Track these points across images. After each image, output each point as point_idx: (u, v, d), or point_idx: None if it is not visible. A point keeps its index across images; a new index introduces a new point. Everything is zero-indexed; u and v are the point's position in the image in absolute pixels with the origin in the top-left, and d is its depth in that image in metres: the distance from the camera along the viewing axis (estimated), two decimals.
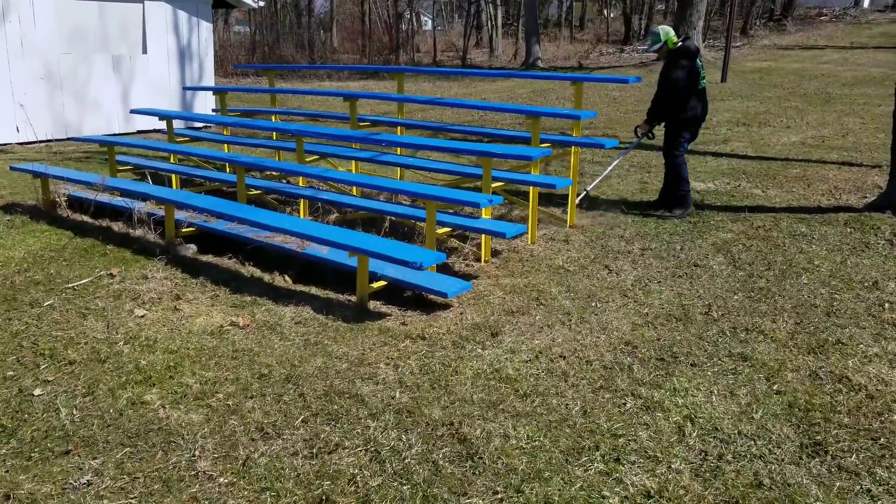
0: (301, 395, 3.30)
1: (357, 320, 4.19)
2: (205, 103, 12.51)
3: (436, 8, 47.33)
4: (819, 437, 3.01)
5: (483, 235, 5.27)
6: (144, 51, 11.86)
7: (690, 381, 3.51)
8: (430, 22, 50.77)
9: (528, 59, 25.80)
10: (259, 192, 6.18)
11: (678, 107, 6.32)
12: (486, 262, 5.39)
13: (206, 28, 12.60)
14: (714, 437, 3.01)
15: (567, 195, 6.45)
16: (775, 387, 3.45)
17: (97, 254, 5.41)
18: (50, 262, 5.21)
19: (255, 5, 13.31)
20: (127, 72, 11.61)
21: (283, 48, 27.33)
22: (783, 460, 2.85)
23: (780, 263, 5.36)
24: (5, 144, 10.30)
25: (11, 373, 3.51)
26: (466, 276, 5.07)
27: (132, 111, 7.58)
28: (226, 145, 7.77)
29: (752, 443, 2.97)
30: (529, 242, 5.92)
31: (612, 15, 36.87)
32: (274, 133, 7.63)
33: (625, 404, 3.26)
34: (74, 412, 3.15)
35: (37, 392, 3.32)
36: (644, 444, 2.94)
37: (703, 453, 2.90)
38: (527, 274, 5.15)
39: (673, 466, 2.79)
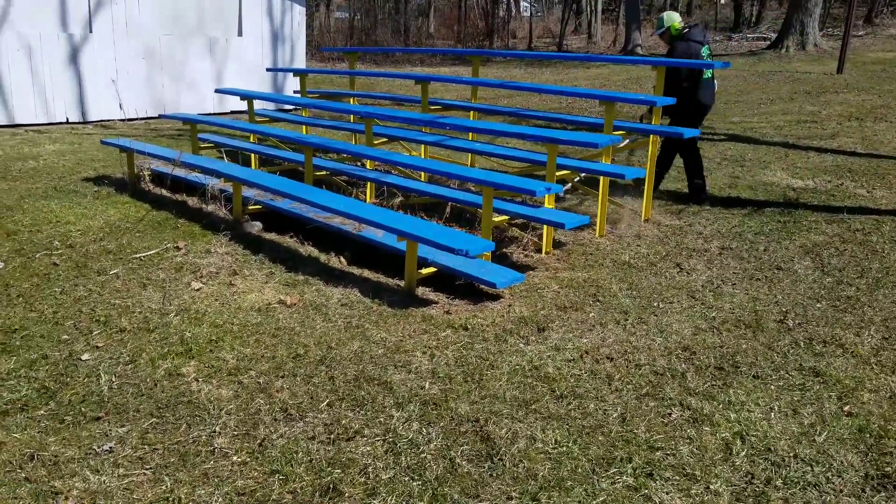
0: (331, 378, 3.24)
1: (402, 306, 4.10)
2: (295, 85, 12.75)
3: None
4: (889, 469, 2.66)
5: (544, 226, 5.06)
6: (240, 33, 12.20)
7: (749, 394, 3.21)
8: (528, 8, 50.06)
9: (628, 46, 24.96)
10: (326, 173, 6.20)
11: (680, 94, 6.16)
12: (547, 253, 5.18)
13: (299, 12, 12.82)
14: (765, 459, 2.72)
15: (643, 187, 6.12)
16: (847, 408, 3.10)
17: (169, 227, 5.58)
18: (124, 232, 5.41)
19: None
20: (222, 53, 11.99)
21: (380, 34, 27.62)
22: (842, 491, 2.54)
23: (875, 271, 4.87)
24: (109, 120, 10.87)
25: (66, 336, 3.64)
26: (524, 267, 4.89)
27: (216, 90, 7.80)
28: (304, 126, 7.86)
29: (809, 468, 2.67)
30: (597, 235, 5.65)
31: (722, 1, 35.10)
32: (351, 116, 7.65)
33: (669, 415, 3.01)
34: (114, 379, 3.22)
35: (84, 357, 3.42)
36: (684, 459, 2.70)
37: (750, 475, 2.62)
38: (588, 268, 4.91)
39: (711, 487, 2.54)
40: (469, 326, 3.83)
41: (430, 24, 34.64)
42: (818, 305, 4.31)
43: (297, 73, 7.72)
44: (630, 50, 24.75)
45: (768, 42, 22.91)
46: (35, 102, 10.16)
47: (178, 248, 5.04)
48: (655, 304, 4.27)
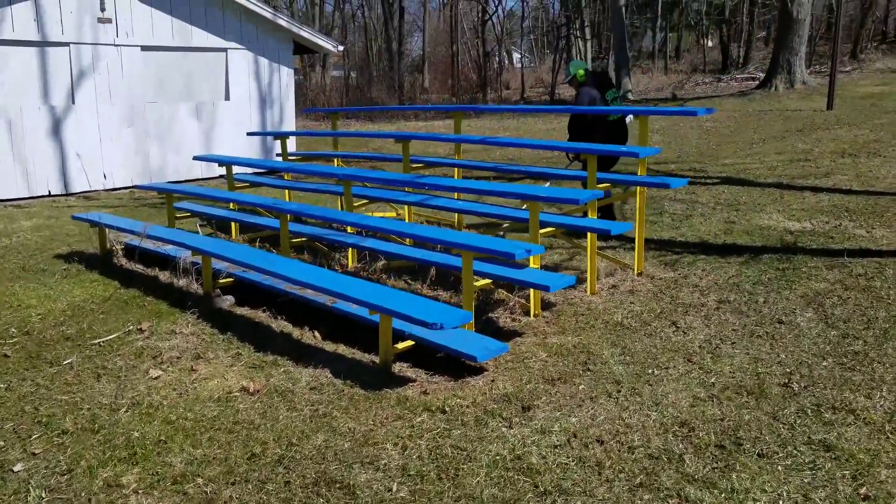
0: (287, 484, 2.91)
1: (376, 387, 3.79)
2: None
3: (526, 45, 47.35)
4: None
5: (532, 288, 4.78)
6: (227, 97, 12.16)
7: (754, 478, 2.87)
8: (521, 59, 50.83)
9: (618, 92, 25.08)
10: (305, 239, 5.95)
11: (585, 136, 6.79)
12: (535, 316, 4.88)
13: (286, 73, 12.81)
14: None
15: (635, 239, 5.86)
16: (863, 490, 2.76)
17: (135, 305, 5.30)
18: (87, 314, 5.14)
19: (333, 49, 13.47)
20: (210, 118, 11.92)
21: (375, 91, 27.85)
22: None
23: (881, 321, 4.56)
24: (93, 191, 10.72)
25: (1, 443, 3.33)
26: (510, 333, 4.59)
27: (194, 158, 7.64)
28: (287, 191, 7.66)
29: None
30: (588, 293, 5.36)
31: (709, 44, 35.52)
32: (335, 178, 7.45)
33: None
34: (44, 495, 2.89)
35: (17, 468, 3.10)
36: None
37: None
38: (579, 331, 4.60)
39: None
40: (447, 408, 3.51)
41: (425, 79, 35.05)
42: (824, 364, 3.98)
43: (276, 136, 7.55)
44: (621, 96, 24.87)
45: (757, 82, 22.99)
46: (16, 176, 10.02)
47: (141, 331, 4.76)
48: (650, 371, 3.95)
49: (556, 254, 6.55)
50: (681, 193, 9.11)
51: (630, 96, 24.60)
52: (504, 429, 3.31)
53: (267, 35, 12.34)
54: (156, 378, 4.03)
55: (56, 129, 10.31)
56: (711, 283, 5.56)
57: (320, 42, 13.00)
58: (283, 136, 7.59)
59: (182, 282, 5.69)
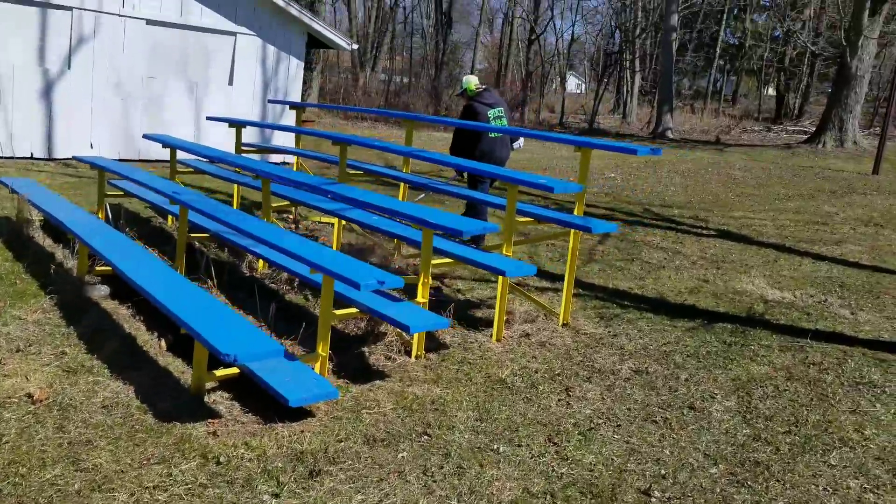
0: None
1: (169, 418, 3.28)
2: (283, 138, 12.33)
3: (586, 72, 46.61)
4: None
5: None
6: (230, 82, 11.89)
7: None
8: (579, 83, 50.13)
9: (657, 129, 24.20)
10: (207, 235, 5.51)
11: (466, 149, 6.83)
12: (417, 357, 4.31)
13: (296, 65, 12.49)
14: None
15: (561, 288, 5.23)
16: None
17: (7, 282, 4.91)
18: None
19: (347, 47, 13.09)
20: (206, 100, 11.66)
21: (410, 97, 27.55)
22: None
23: (809, 426, 3.85)
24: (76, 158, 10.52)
25: None
26: (376, 374, 4.03)
27: (144, 136, 7.31)
28: (235, 184, 7.24)
29: None
30: (493, 339, 4.76)
31: (769, 92, 34.23)
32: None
33: None
34: None
35: None
36: None
37: None
38: (452, 383, 4.01)
39: None
40: (225, 459, 2.97)
41: None
42: (712, 471, 3.31)
43: (231, 123, 7.16)
44: (660, 133, 24.00)
45: (806, 136, 21.85)
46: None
47: None
48: (495, 448, 3.34)
49: (489, 287, 5.95)
50: (666, 241, 8.41)
51: (670, 135, 23.71)
52: (266, 497, 2.75)
53: (279, 24, 12.05)
54: None
55: (47, 92, 10.16)
56: (640, 348, 4.89)
57: (333, 37, 12.65)
58: (238, 125, 7.20)
59: (71, 263, 5.29)
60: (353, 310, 4.01)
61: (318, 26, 12.32)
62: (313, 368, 3.89)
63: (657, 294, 6.29)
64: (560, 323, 5.21)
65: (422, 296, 4.25)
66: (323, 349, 3.86)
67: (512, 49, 32.83)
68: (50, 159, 10.34)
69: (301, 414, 3.44)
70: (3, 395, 3.35)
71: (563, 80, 38.19)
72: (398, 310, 3.87)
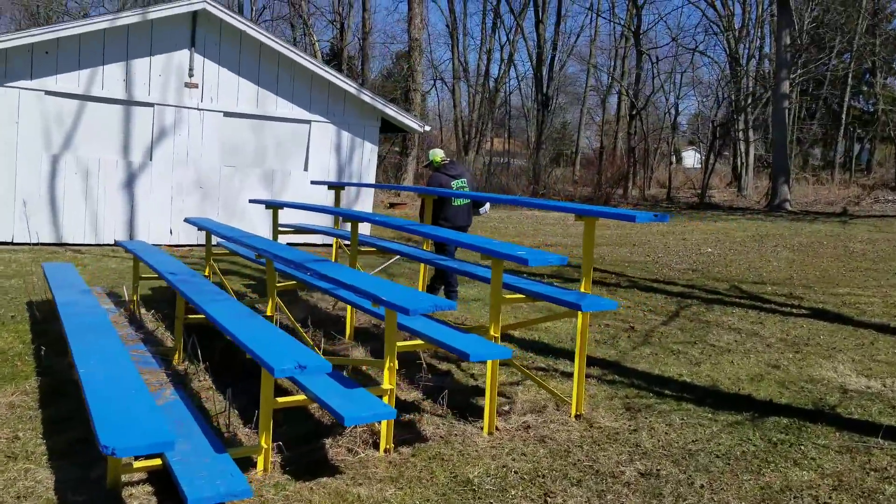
0: None
1: None
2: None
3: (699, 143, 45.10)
4: None
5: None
6: (305, 168, 12.25)
7: None
8: (701, 157, 48.55)
9: (773, 201, 22.62)
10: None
11: (434, 215, 7.20)
12: (385, 451, 3.86)
13: (370, 150, 12.73)
14: None
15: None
16: None
17: (7, 364, 4.96)
18: None
19: (420, 129, 13.24)
20: (284, 186, 12.03)
21: (509, 177, 27.60)
22: None
23: None
24: (157, 244, 11.06)
25: None
26: (329, 470, 3.61)
27: (185, 219, 7.49)
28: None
29: None
30: (484, 431, 4.22)
31: None
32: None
33: None
34: None
35: None
36: None
37: None
38: (411, 484, 3.51)
39: None
40: None
41: (576, 171, 34.34)
42: None
43: (269, 205, 7.21)
44: (777, 205, 22.42)
45: None
46: (85, 223, 10.58)
47: None
48: None
49: (506, 371, 5.41)
50: (744, 321, 7.51)
51: (788, 207, 22.08)
52: None
53: (353, 110, 12.38)
54: None
55: (130, 183, 10.85)
56: (660, 446, 4.18)
57: (406, 121, 12.83)
58: (275, 206, 7.23)
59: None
60: (299, 397, 3.66)
61: (390, 111, 12.56)
62: (256, 462, 3.55)
63: (710, 382, 5.50)
64: (572, 414, 4.58)
65: (388, 381, 3.83)
66: (265, 440, 3.52)
67: (621, 125, 32.48)
68: None
69: None
70: None
71: (678, 155, 37.05)
72: (344, 397, 3.47)
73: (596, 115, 39.87)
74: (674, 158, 39.41)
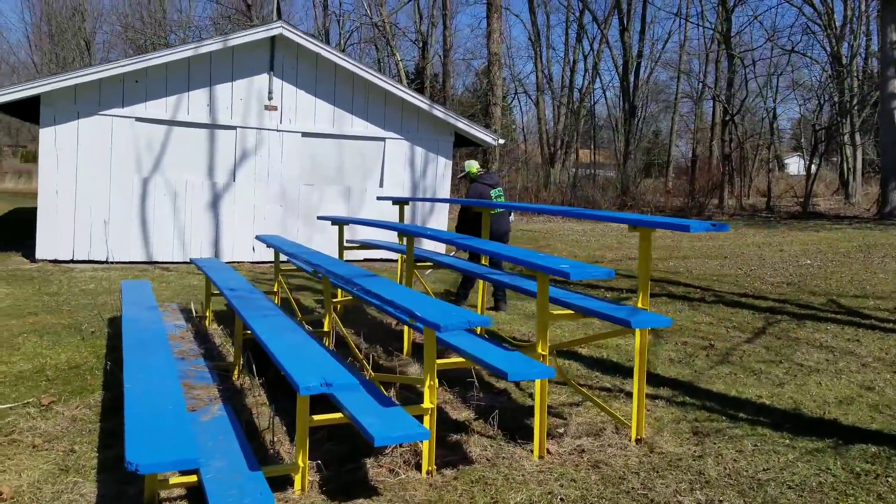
0: None
1: None
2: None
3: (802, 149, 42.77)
4: None
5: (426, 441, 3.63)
6: (381, 184, 12.39)
7: None
8: (798, 164, 46.10)
9: (885, 208, 21.04)
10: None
11: (474, 224, 7.67)
12: (428, 473, 3.74)
13: (444, 164, 12.74)
14: None
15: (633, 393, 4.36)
16: None
17: (78, 378, 5.17)
18: (38, 376, 5.12)
19: (493, 143, 13.12)
20: (361, 202, 12.20)
21: (594, 190, 26.99)
22: None
23: None
24: (239, 262, 11.45)
25: None
26: (367, 492, 3.53)
27: (256, 237, 7.67)
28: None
29: None
30: (534, 455, 4.02)
31: None
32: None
33: None
34: None
35: None
36: None
37: None
38: None
39: None
40: None
41: (668, 181, 33.24)
42: None
43: (334, 221, 7.28)
44: (887, 212, 20.86)
45: None
46: (174, 241, 11.07)
47: (35, 405, 4.57)
48: None
49: (567, 391, 5.18)
50: (838, 339, 6.94)
51: None
52: None
53: (426, 126, 12.43)
54: None
55: (215, 202, 11.28)
56: (726, 475, 3.86)
57: (479, 135, 12.75)
58: (340, 223, 7.29)
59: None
60: (336, 415, 3.59)
61: (462, 125, 12.53)
62: (293, 480, 3.51)
63: (792, 405, 5.08)
64: (633, 438, 4.31)
65: (428, 401, 3.71)
66: (302, 459, 3.47)
67: (716, 132, 31.24)
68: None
69: None
70: None
71: (780, 161, 35.23)
72: (379, 416, 3.38)
73: (690, 123, 38.55)
74: (775, 165, 37.49)
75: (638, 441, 4.29)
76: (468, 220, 7.89)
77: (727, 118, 27.77)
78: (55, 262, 10.29)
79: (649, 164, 39.90)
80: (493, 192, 7.86)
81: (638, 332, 4.18)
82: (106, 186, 10.52)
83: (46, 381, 5.06)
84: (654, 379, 5.64)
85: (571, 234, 18.11)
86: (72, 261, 10.39)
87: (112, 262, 10.63)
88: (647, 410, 4.82)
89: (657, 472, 3.89)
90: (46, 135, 10.16)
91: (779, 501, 3.55)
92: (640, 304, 4.22)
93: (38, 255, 10.25)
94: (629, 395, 5.19)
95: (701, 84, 32.44)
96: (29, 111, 11.24)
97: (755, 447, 4.26)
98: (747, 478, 3.83)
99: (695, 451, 4.18)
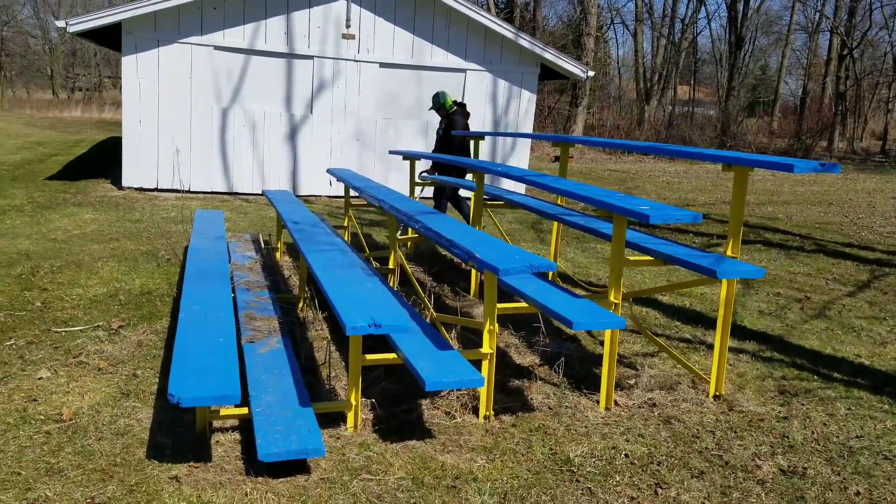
0: None
1: (159, 453, 3.04)
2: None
3: None
4: None
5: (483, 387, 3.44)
6: None
7: None
8: None
9: None
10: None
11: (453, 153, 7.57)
12: (485, 417, 3.56)
13: (527, 98, 12.21)
14: None
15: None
16: None
17: (148, 305, 5.23)
18: (111, 300, 5.22)
19: (582, 75, 12.40)
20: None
21: (694, 127, 25.58)
22: None
23: None
24: (315, 196, 11.47)
25: None
26: (421, 433, 3.39)
27: (327, 170, 7.52)
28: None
29: None
30: (601, 406, 3.78)
31: None
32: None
33: None
34: None
35: None
36: None
37: None
38: (504, 457, 3.19)
39: None
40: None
41: (773, 121, 31.15)
42: None
43: (405, 156, 7.05)
44: None
45: None
46: (253, 174, 11.17)
47: (105, 328, 4.65)
48: None
49: (641, 341, 4.86)
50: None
51: None
52: None
53: (510, 56, 11.89)
54: (39, 378, 3.83)
55: (293, 135, 11.25)
56: (814, 439, 3.51)
57: (567, 66, 12.08)
58: (412, 157, 7.05)
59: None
60: (390, 355, 3.43)
61: (549, 55, 11.91)
62: (346, 417, 3.41)
63: (895, 367, 4.59)
64: (710, 393, 3.99)
65: (487, 346, 3.50)
66: (354, 397, 3.35)
67: (830, 68, 28.84)
68: (297, 197, 11.36)
69: (293, 469, 2.97)
70: (42, 411, 3.44)
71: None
72: (432, 360, 3.19)
73: (802, 58, 35.77)
74: (895, 106, 34.46)
75: (716, 397, 3.97)
76: (445, 148, 7.78)
77: (845, 52, 25.53)
78: (140, 189, 10.58)
79: (753, 103, 37.48)
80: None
81: (725, 282, 3.80)
82: (187, 116, 10.64)
83: (118, 306, 5.15)
84: (739, 331, 5.24)
85: (663, 176, 17.27)
86: (156, 189, 10.66)
87: (194, 192, 10.84)
88: (730, 365, 4.47)
89: (735, 431, 3.58)
90: (129, 63, 10.30)
91: (872, 472, 3.18)
92: (728, 252, 3.82)
93: (125, 182, 10.56)
94: (710, 347, 4.83)
95: (818, 14, 29.84)
96: (114, 40, 11.40)
97: (848, 411, 3.87)
98: (837, 444, 3.46)
99: (779, 412, 3.83)
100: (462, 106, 7.97)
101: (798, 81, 36.35)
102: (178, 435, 3.25)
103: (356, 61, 11.26)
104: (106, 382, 3.83)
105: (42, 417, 3.38)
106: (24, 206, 9.08)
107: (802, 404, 3.95)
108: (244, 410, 3.27)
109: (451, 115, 7.78)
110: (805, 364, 4.61)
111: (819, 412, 3.85)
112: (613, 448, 3.33)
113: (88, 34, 10.84)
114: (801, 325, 5.49)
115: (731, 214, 3.80)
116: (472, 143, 7.60)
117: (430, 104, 8.20)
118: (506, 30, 11.67)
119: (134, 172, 10.55)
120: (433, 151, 8.16)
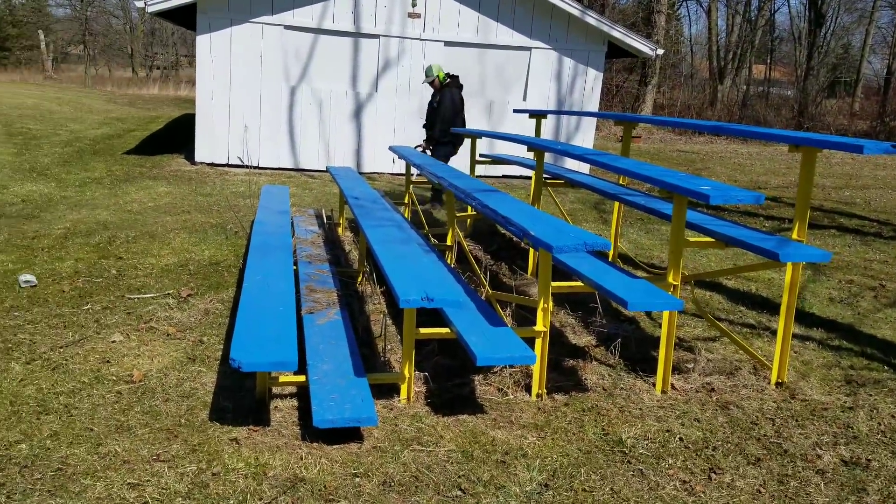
0: None
1: (221, 416, 3.17)
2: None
3: None
4: None
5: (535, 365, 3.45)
6: (525, 98, 11.91)
7: None
8: None
9: None
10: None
11: (447, 127, 8.08)
12: (538, 395, 3.57)
13: (593, 77, 11.98)
14: None
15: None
16: None
17: (216, 275, 5.44)
18: (184, 270, 5.44)
19: (651, 53, 12.06)
20: (502, 117, 11.84)
21: (769, 108, 24.59)
22: None
23: None
24: (378, 173, 11.59)
25: None
26: (473, 408, 3.43)
27: (389, 147, 7.59)
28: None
29: None
30: (657, 389, 3.73)
31: None
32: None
33: None
34: None
35: None
36: None
37: None
38: (555, 435, 3.20)
39: None
40: (222, 471, 2.74)
41: (855, 102, 29.67)
42: None
43: (466, 134, 7.06)
44: None
45: None
46: (319, 151, 11.36)
47: (175, 296, 4.86)
48: None
49: (702, 324, 4.76)
50: None
51: None
52: None
53: (576, 35, 11.67)
54: (112, 342, 4.05)
55: (358, 113, 11.37)
56: (880, 430, 3.39)
57: (635, 44, 11.78)
58: (473, 135, 7.04)
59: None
60: (443, 330, 3.47)
61: (617, 33, 11.63)
62: (399, 389, 3.48)
63: None
64: (772, 380, 3.88)
65: (541, 323, 3.50)
66: (408, 369, 3.41)
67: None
68: (359, 173, 11.51)
69: (347, 437, 3.05)
70: (114, 372, 3.63)
71: None
72: (485, 335, 3.22)
73: (888, 36, 33.83)
74: None
75: (778, 384, 3.86)
76: (447, 133, 8.18)
77: None
78: (212, 165, 10.92)
79: (834, 83, 35.71)
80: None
81: (789, 266, 3.68)
82: (257, 94, 10.89)
83: (188, 275, 5.37)
84: (807, 318, 5.06)
85: (735, 157, 16.70)
86: (227, 164, 10.98)
87: (262, 168, 11.12)
88: (795, 352, 4.33)
89: (796, 420, 3.48)
90: (202, 42, 10.59)
91: None
92: (794, 235, 3.69)
93: (197, 158, 10.91)
94: (775, 334, 4.68)
95: None
96: (190, 19, 11.72)
97: None
98: None
99: (844, 402, 3.70)
100: (455, 78, 8.25)
101: (883, 61, 34.42)
102: (240, 399, 3.38)
103: (421, 40, 11.27)
104: (174, 347, 4.01)
105: (114, 378, 3.57)
106: (104, 179, 9.52)
107: (870, 395, 3.80)
108: (301, 378, 3.38)
109: (444, 90, 8.18)
110: (875, 354, 4.42)
111: (887, 403, 3.70)
112: (668, 431, 3.29)
113: (166, 14, 11.19)
114: (873, 314, 5.27)
115: (799, 196, 3.66)
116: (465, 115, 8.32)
117: (425, 77, 8.46)
118: (573, 7, 11.45)
119: (206, 148, 10.89)
120: (424, 125, 8.64)
